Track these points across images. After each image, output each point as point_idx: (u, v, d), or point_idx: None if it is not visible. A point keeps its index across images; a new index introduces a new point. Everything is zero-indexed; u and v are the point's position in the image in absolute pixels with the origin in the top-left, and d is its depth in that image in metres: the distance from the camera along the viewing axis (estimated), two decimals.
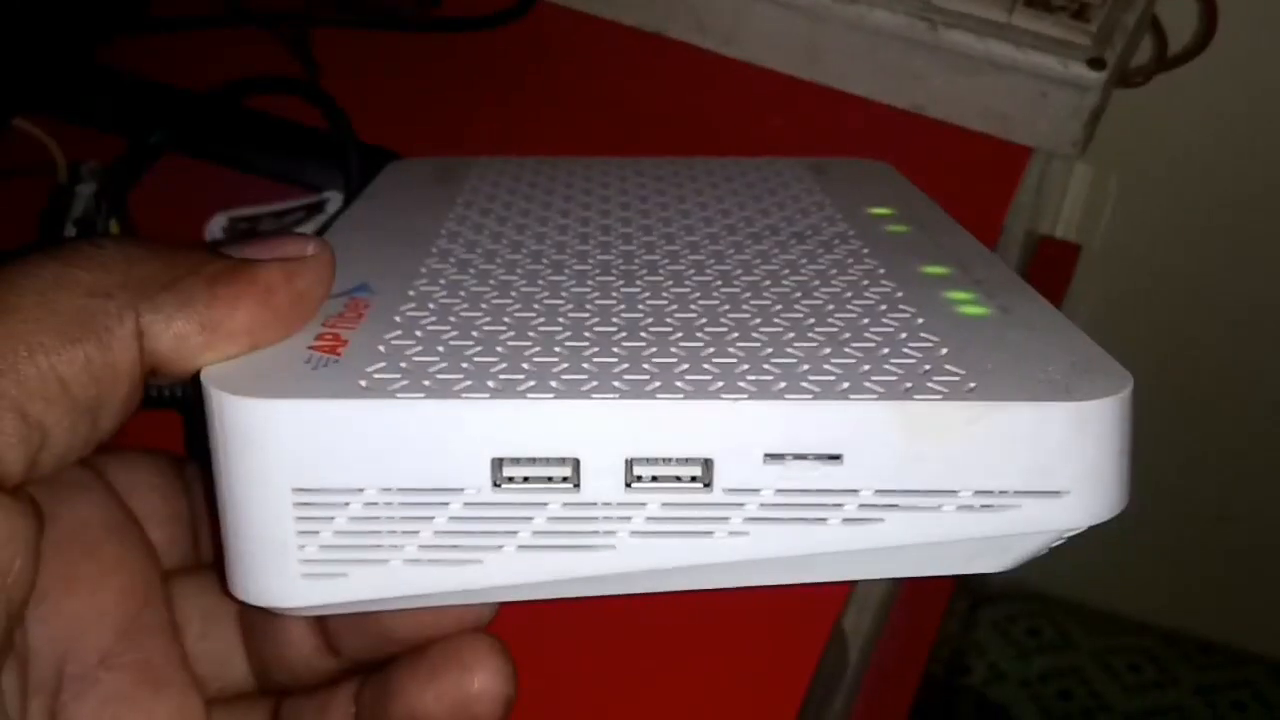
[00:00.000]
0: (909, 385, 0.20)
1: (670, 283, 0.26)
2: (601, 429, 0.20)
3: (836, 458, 0.20)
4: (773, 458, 0.20)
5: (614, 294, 0.25)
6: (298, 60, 0.50)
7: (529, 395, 0.20)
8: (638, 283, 0.25)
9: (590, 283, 0.25)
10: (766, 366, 0.21)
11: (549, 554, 0.21)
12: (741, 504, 0.20)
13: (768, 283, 0.26)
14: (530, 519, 0.20)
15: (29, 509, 0.19)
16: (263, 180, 0.45)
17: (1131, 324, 0.81)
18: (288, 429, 0.20)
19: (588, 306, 0.24)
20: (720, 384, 0.20)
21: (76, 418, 0.19)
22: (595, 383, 0.20)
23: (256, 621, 0.25)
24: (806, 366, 0.21)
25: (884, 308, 0.24)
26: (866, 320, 0.24)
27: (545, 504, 0.20)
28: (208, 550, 0.26)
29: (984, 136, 0.52)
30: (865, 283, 0.26)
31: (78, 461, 0.20)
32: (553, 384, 0.20)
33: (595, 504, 0.20)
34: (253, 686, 0.25)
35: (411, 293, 0.24)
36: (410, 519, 0.20)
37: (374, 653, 0.24)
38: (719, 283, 0.26)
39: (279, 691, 0.25)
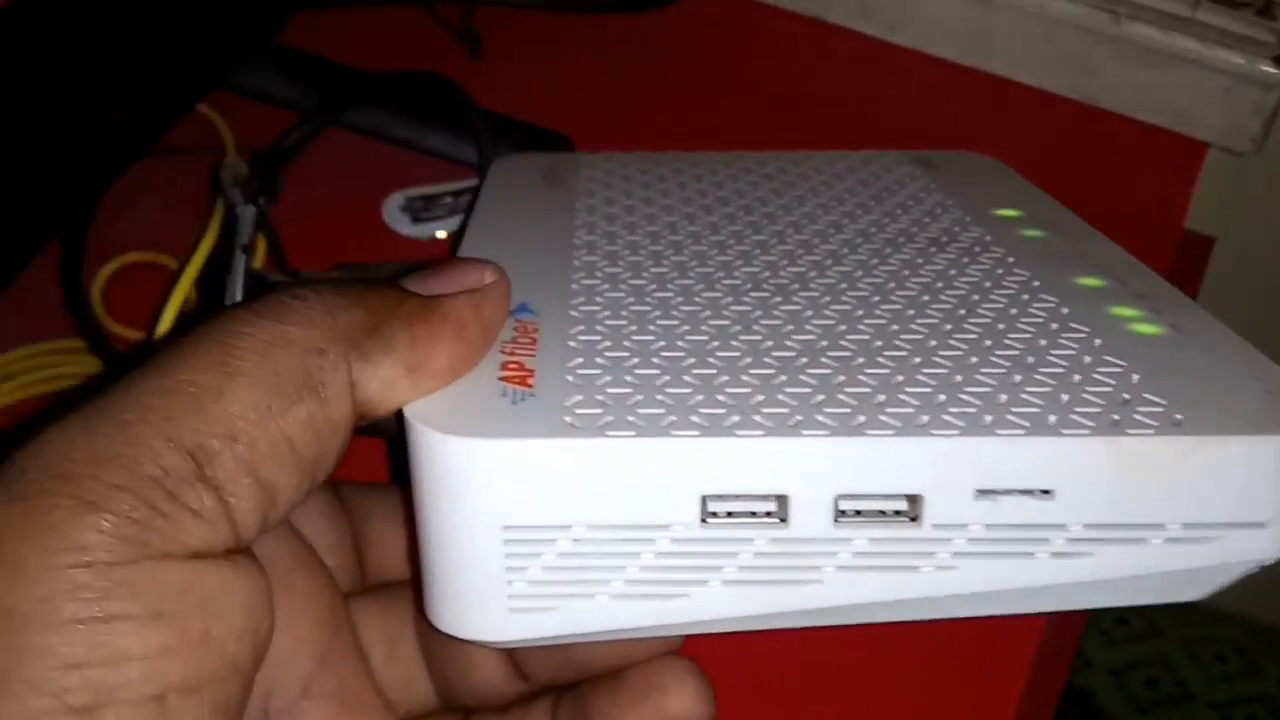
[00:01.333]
0: (1116, 418, 0.20)
1: (828, 298, 0.26)
2: (812, 466, 0.20)
3: (1048, 493, 0.20)
4: (984, 493, 0.20)
5: (777, 313, 0.25)
6: (460, 40, 0.51)
7: (738, 432, 0.20)
8: (795, 299, 0.25)
9: (748, 299, 0.25)
10: (965, 397, 0.21)
11: (755, 589, 0.21)
12: (950, 539, 0.20)
13: (926, 298, 0.26)
14: (736, 554, 0.21)
15: (261, 568, 0.19)
16: (437, 160, 0.45)
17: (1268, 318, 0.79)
18: (500, 468, 0.20)
19: (756, 328, 0.24)
20: (925, 418, 0.20)
21: (303, 476, 0.19)
22: (800, 417, 0.20)
23: (440, 643, 0.25)
24: (1005, 397, 0.21)
25: (1055, 326, 0.24)
26: (1044, 341, 0.23)
27: (752, 539, 0.20)
28: (374, 572, 0.26)
29: (1159, 130, 0.52)
30: (1025, 297, 0.26)
31: None
32: (758, 419, 0.20)
33: (803, 539, 0.20)
34: (437, 706, 0.25)
35: (574, 313, 0.25)
36: (617, 555, 0.21)
37: (564, 677, 0.24)
38: (876, 298, 0.26)
39: (464, 710, 0.25)
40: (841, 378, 0.22)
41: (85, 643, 0.16)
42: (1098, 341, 0.23)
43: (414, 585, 0.25)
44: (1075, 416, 0.20)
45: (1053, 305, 0.25)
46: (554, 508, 0.20)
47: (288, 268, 0.36)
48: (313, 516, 0.25)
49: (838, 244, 0.29)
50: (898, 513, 0.20)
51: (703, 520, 0.20)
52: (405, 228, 0.43)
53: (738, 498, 0.20)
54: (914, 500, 0.20)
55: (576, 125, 0.47)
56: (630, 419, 0.20)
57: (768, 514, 0.20)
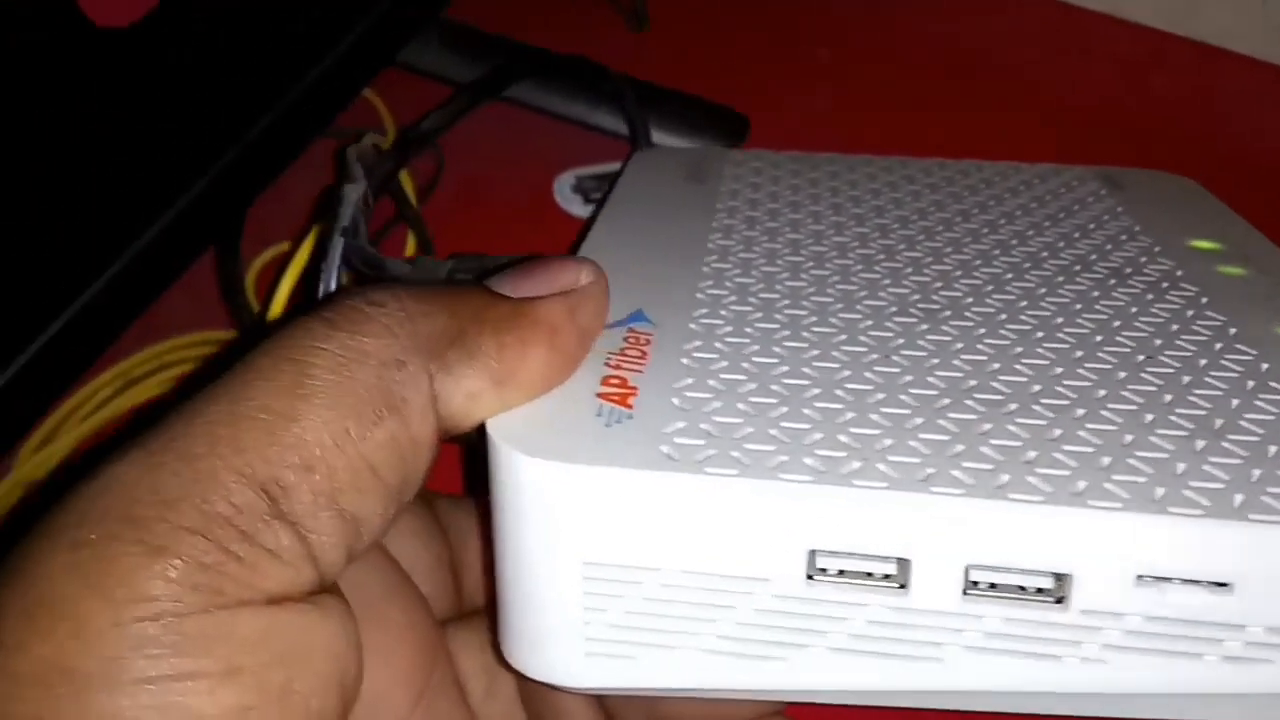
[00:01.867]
0: None
1: (983, 331, 0.22)
2: (941, 529, 0.17)
3: (1225, 585, 0.17)
4: (1147, 580, 0.17)
5: (922, 343, 0.22)
6: (624, 13, 0.49)
7: (856, 482, 0.17)
8: (944, 329, 0.22)
9: (890, 325, 0.23)
10: (1134, 464, 0.18)
11: (864, 660, 0.18)
12: (1101, 628, 0.17)
13: (1099, 338, 0.22)
14: (846, 619, 0.18)
15: (347, 608, 0.17)
16: (612, 138, 0.43)
17: None
18: (585, 496, 0.18)
19: (895, 359, 0.21)
20: (1083, 484, 0.17)
21: (388, 502, 0.17)
22: (932, 470, 0.18)
23: (539, 691, 0.23)
24: (1184, 467, 0.18)
25: (1252, 384, 0.21)
26: (1237, 402, 0.20)
27: (865, 605, 0.18)
28: (472, 594, 0.24)
29: None
30: (1219, 346, 0.22)
31: None
32: (881, 468, 0.18)
33: (925, 610, 0.18)
34: None
35: (694, 326, 0.22)
36: (709, 605, 0.18)
37: None
38: (1041, 334, 0.22)
39: None
40: (988, 426, 0.19)
41: (155, 704, 0.14)
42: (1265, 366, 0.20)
43: (488, 612, 0.23)
44: (1267, 499, 0.17)
45: (1251, 359, 0.22)
46: (641, 547, 0.18)
47: (432, 254, 0.35)
48: (404, 536, 0.23)
49: (1003, 268, 0.26)
50: (1040, 591, 0.17)
51: (809, 577, 0.18)
52: (577, 208, 0.41)
53: (851, 555, 0.18)
54: (1061, 580, 0.17)
55: (750, 101, 0.44)
56: (735, 454, 0.18)
57: (885, 577, 0.18)
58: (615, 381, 0.20)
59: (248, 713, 0.15)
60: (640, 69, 0.43)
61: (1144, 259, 0.27)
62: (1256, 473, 0.18)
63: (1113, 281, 0.25)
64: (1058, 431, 0.19)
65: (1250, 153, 0.30)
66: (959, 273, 0.25)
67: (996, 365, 0.21)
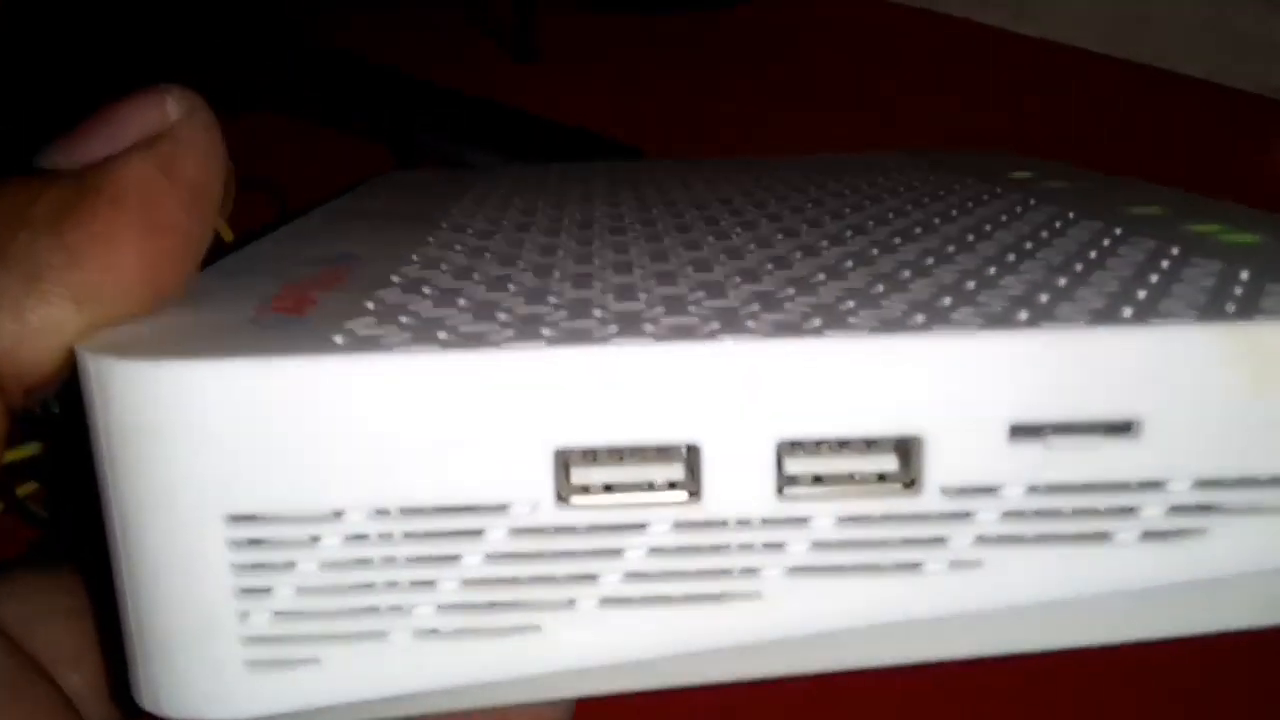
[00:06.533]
0: (1230, 307, 0.13)
1: (777, 225, 0.18)
2: (737, 392, 0.12)
3: (1125, 428, 0.12)
4: (1023, 432, 0.12)
5: (689, 236, 0.18)
6: (505, 47, 0.45)
7: (615, 341, 0.12)
8: (708, 237, 0.18)
9: (646, 237, 0.18)
10: (983, 300, 0.13)
11: (650, 612, 0.12)
12: (970, 514, 0.12)
13: (918, 229, 0.18)
14: (619, 553, 0.12)
15: None
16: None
17: None
18: (218, 411, 0.12)
19: (659, 252, 0.17)
20: (921, 317, 0.12)
21: None
22: (716, 324, 0.12)
23: None
24: (1046, 296, 0.13)
25: (1107, 243, 0.17)
26: (1093, 254, 0.16)
27: (643, 526, 0.12)
28: None
29: None
30: (1058, 225, 0.18)
31: None
32: (648, 329, 0.12)
33: (726, 523, 0.12)
34: None
35: (415, 257, 0.17)
36: (421, 562, 0.12)
37: None
38: (848, 224, 0.18)
39: None
40: (775, 289, 0.14)
41: None
42: (1174, 250, 0.16)
43: (104, 651, 0.17)
44: (1165, 307, 0.13)
45: (1100, 226, 0.18)
46: (311, 482, 0.12)
47: None
48: (43, 618, 0.17)
49: (803, 213, 0.21)
50: (882, 478, 0.12)
51: (560, 497, 0.12)
52: None
53: (616, 455, 0.12)
54: (906, 450, 0.12)
55: (642, 133, 0.41)
56: (441, 335, 0.12)
57: (670, 484, 0.12)
58: (290, 293, 0.14)
59: None
60: (531, 102, 0.41)
61: (958, 190, 0.23)
62: (1142, 293, 0.13)
63: (926, 200, 0.21)
64: (880, 287, 0.14)
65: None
66: (730, 215, 0.21)
67: (781, 239, 0.17)
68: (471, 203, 0.23)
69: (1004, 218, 0.19)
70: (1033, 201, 0.20)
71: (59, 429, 0.17)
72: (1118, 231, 0.17)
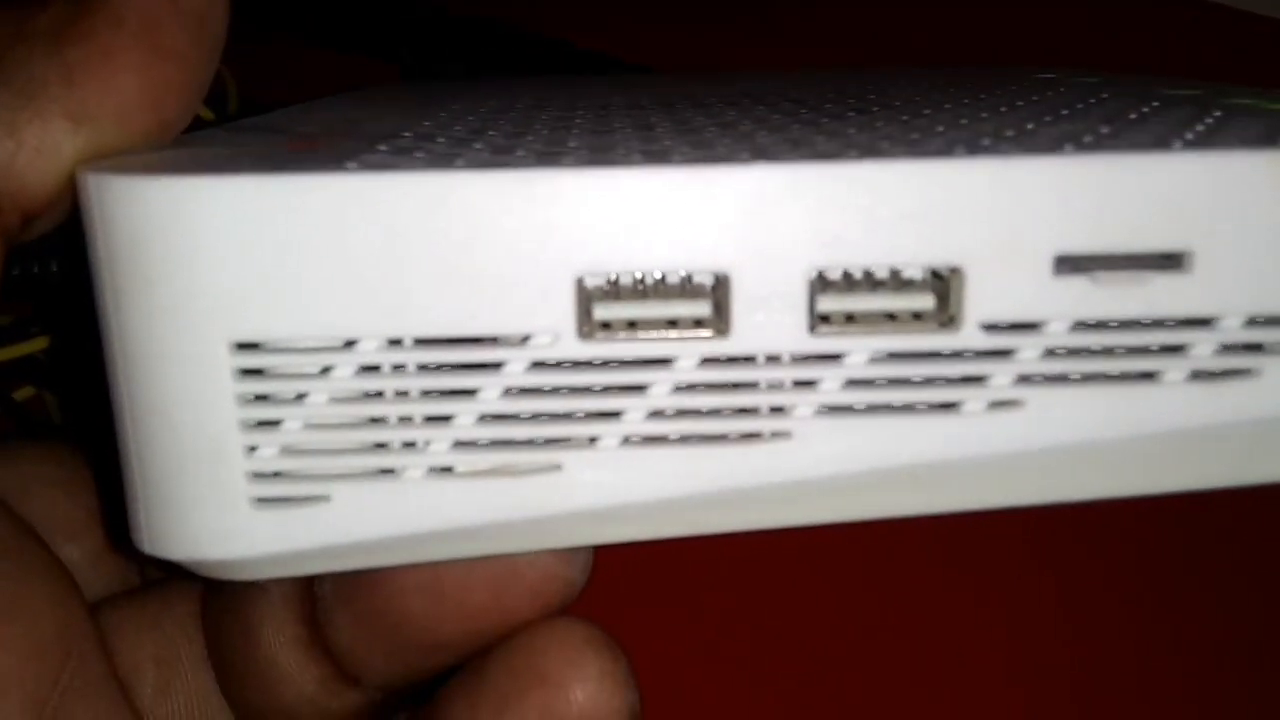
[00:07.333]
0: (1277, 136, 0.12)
1: (782, 112, 0.18)
2: (766, 222, 0.11)
3: (1175, 261, 0.11)
4: (1069, 264, 0.11)
5: (714, 114, 0.17)
6: None
7: (638, 164, 0.11)
8: (733, 112, 0.17)
9: (668, 116, 0.17)
10: (1013, 133, 0.13)
11: (675, 452, 0.12)
12: (1011, 351, 0.12)
13: (947, 105, 0.17)
14: (643, 389, 0.12)
15: None
16: None
17: None
18: (225, 232, 0.11)
19: (683, 121, 0.16)
20: (959, 147, 0.12)
21: None
22: (746, 154, 0.12)
23: (233, 657, 0.16)
24: (1090, 138, 0.13)
25: (1149, 107, 0.16)
26: (1140, 113, 0.15)
27: (669, 361, 0.12)
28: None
29: None
30: (1104, 94, 0.18)
31: None
32: (673, 157, 0.12)
33: (755, 359, 0.12)
34: None
35: (428, 122, 0.16)
36: (438, 395, 0.12)
37: (409, 672, 0.15)
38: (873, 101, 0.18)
39: None
40: (801, 123, 0.14)
41: None
42: (1216, 112, 0.15)
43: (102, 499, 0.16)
44: (1216, 139, 0.12)
45: (1134, 96, 0.17)
46: (321, 308, 0.11)
47: None
48: (39, 487, 0.17)
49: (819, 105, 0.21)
50: (917, 316, 0.12)
51: (583, 332, 0.12)
52: None
53: (640, 291, 0.12)
54: (943, 282, 0.12)
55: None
56: (459, 161, 0.12)
57: (696, 322, 0.12)
58: (299, 141, 0.14)
59: None
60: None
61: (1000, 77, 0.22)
62: (1187, 133, 0.13)
63: (957, 85, 0.21)
64: (915, 135, 0.13)
65: None
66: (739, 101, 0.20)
67: (824, 113, 0.16)
68: (483, 93, 0.22)
69: (1047, 91, 0.18)
70: (1074, 81, 0.20)
71: (56, 290, 0.16)
72: (1156, 103, 0.17)
